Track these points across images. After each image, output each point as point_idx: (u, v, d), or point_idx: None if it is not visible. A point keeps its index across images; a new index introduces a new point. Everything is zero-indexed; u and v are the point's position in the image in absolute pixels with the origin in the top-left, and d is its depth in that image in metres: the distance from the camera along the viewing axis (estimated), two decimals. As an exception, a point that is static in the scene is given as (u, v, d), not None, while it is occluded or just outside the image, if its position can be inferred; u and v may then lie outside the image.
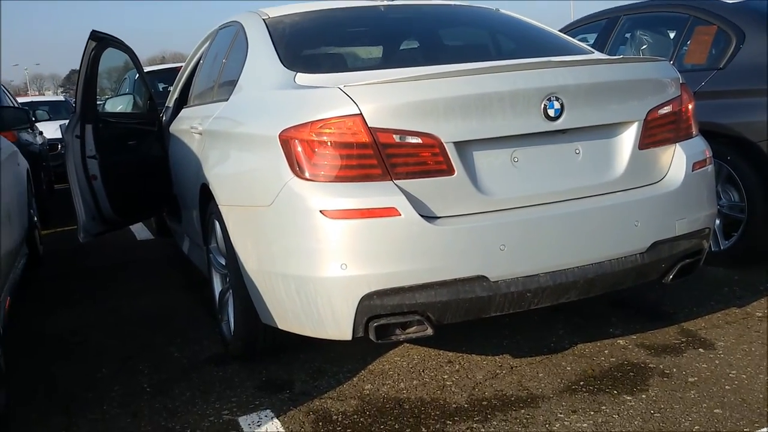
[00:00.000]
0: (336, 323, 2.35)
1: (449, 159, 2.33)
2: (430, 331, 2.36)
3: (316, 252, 2.29)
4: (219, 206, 2.86)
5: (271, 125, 2.47)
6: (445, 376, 2.73)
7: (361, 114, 2.26)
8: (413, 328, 2.38)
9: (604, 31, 4.67)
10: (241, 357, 2.97)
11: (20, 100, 12.12)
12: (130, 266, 4.93)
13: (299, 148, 2.33)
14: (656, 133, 2.65)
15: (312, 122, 2.31)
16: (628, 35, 4.56)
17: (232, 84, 3.11)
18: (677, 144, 2.71)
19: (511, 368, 2.77)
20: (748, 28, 3.72)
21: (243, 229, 2.67)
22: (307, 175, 2.31)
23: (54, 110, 12.76)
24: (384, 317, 2.31)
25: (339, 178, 2.28)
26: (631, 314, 3.21)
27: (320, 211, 2.26)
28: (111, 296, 4.20)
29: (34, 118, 8.42)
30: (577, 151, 2.54)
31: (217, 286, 3.22)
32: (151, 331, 3.50)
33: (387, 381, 2.73)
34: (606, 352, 2.86)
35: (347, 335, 2.36)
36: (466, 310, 2.36)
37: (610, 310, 3.24)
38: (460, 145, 2.35)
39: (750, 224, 3.60)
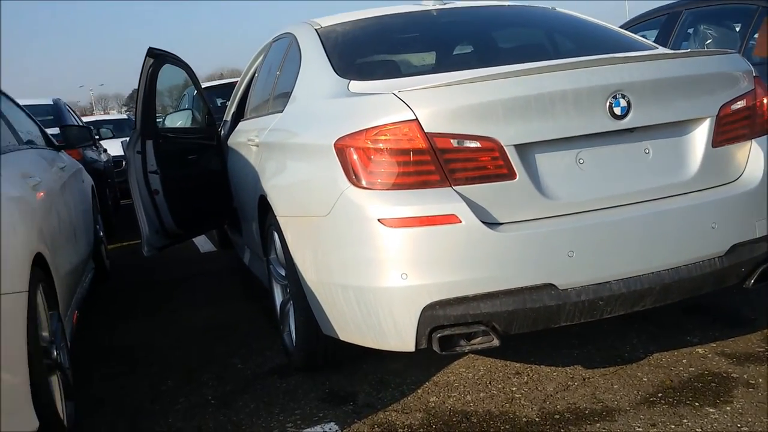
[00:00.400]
0: (398, 334, 2.27)
1: (510, 163, 2.22)
2: (496, 342, 2.26)
3: (375, 262, 2.23)
4: (277, 217, 2.82)
5: (326, 134, 2.41)
6: (514, 389, 2.62)
7: (416, 119, 2.19)
8: (478, 339, 2.28)
9: (664, 27, 4.47)
10: (303, 368, 2.92)
11: (85, 119, 12.53)
12: (193, 279, 4.98)
13: (355, 156, 2.27)
14: (730, 129, 2.48)
15: (367, 129, 2.24)
16: (690, 30, 4.35)
17: (286, 95, 3.08)
18: (753, 140, 2.53)
19: (584, 380, 2.63)
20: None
21: (301, 240, 2.62)
22: (363, 183, 2.25)
23: (117, 128, 13.17)
24: (448, 328, 2.22)
25: (396, 186, 2.20)
26: (709, 321, 3.02)
27: (378, 220, 2.19)
28: (175, 308, 4.24)
29: (98, 136, 8.67)
30: (647, 151, 2.40)
31: (278, 297, 3.19)
32: (215, 342, 3.50)
33: (453, 393, 2.63)
34: (684, 361, 2.69)
35: (410, 346, 2.27)
36: (534, 320, 2.24)
37: (686, 318, 3.06)
38: (521, 148, 2.24)
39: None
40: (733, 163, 2.50)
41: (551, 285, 2.21)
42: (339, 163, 2.32)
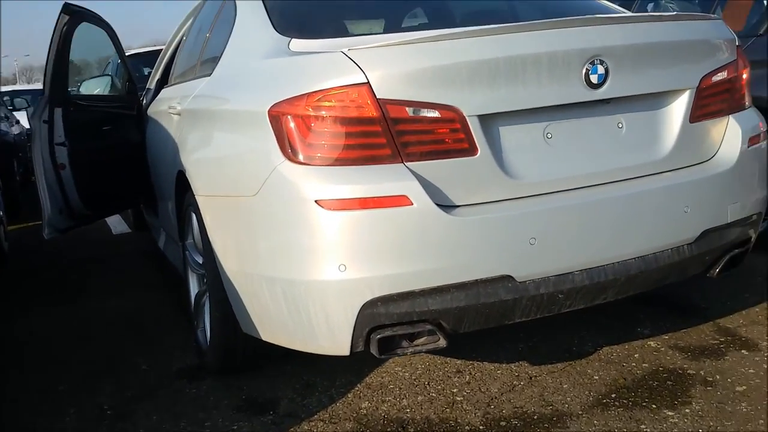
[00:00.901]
0: (331, 336, 1.91)
1: (472, 136, 1.89)
2: (443, 343, 1.93)
3: (309, 250, 1.85)
4: (196, 196, 2.39)
5: (260, 100, 2.01)
6: (455, 390, 2.31)
7: (368, 83, 1.82)
8: (423, 340, 1.95)
9: (625, 3, 4.22)
10: (218, 371, 2.52)
11: (3, 89, 11.75)
12: (103, 264, 4.44)
13: (292, 126, 1.87)
14: (709, 103, 2.23)
15: (308, 94, 1.86)
16: (650, 5, 4.12)
17: (216, 57, 2.63)
18: (730, 116, 2.29)
19: (531, 378, 2.35)
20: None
21: (222, 223, 2.21)
22: (300, 157, 1.86)
23: (36, 99, 12.22)
24: (389, 328, 1.88)
25: (339, 161, 1.83)
26: (660, 311, 2.81)
27: (315, 201, 1.82)
28: (79, 297, 3.72)
29: (11, 107, 7.85)
30: (620, 125, 2.11)
31: (194, 287, 2.77)
32: (121, 338, 3.04)
33: (387, 397, 2.30)
34: (636, 356, 2.45)
35: (345, 350, 1.92)
36: (487, 317, 1.93)
37: (636, 307, 2.83)
38: (484, 120, 1.91)
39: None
40: (708, 141, 2.25)
41: (508, 277, 1.90)
42: (273, 133, 1.92)
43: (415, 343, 1.94)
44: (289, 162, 1.87)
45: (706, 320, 2.69)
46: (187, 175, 2.50)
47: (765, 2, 3.45)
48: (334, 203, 1.80)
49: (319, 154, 1.85)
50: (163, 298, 3.52)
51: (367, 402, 2.28)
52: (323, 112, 1.84)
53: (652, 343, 2.54)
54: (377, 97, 1.81)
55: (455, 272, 1.85)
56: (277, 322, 2.03)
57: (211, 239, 2.27)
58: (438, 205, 1.83)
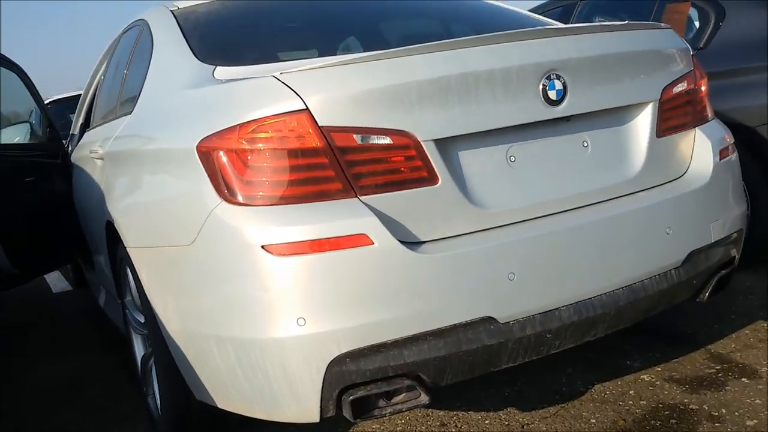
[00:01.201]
0: (296, 401, 1.65)
1: (430, 163, 1.69)
2: (424, 399, 1.69)
3: (261, 304, 1.60)
4: (127, 249, 2.12)
5: (186, 135, 1.77)
6: (440, 446, 2.06)
7: (307, 109, 1.60)
8: (402, 397, 1.71)
9: (560, 19, 4.14)
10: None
11: None
12: (41, 324, 4.07)
13: (226, 162, 1.64)
14: (673, 116, 2.08)
15: (240, 125, 1.63)
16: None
17: (136, 93, 2.39)
18: (697, 129, 2.15)
19: (523, 427, 2.12)
20: (728, 1, 3.25)
21: (159, 278, 1.95)
22: (239, 198, 1.62)
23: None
24: (362, 387, 1.64)
25: (285, 199, 1.60)
26: (645, 339, 2.61)
27: (262, 247, 1.57)
28: (15, 363, 3.36)
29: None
30: (585, 144, 1.94)
31: (139, 350, 2.47)
32: (60, 407, 2.71)
33: (366, 460, 2.04)
34: (632, 392, 2.24)
35: (314, 416, 1.66)
36: (471, 365, 1.70)
37: (621, 337, 2.62)
38: (442, 144, 1.71)
39: (756, 219, 3.09)
40: (678, 156, 2.10)
41: (490, 319, 1.68)
42: (205, 172, 1.68)
43: (393, 401, 1.70)
44: (227, 204, 1.63)
45: (697, 347, 2.51)
46: (116, 226, 2.23)
47: (697, 18, 3.40)
48: (283, 248, 1.56)
49: (260, 193, 1.61)
50: (108, 362, 3.19)
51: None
52: (260, 145, 1.61)
53: (645, 376, 2.34)
54: (319, 124, 1.60)
55: (430, 318, 1.63)
56: (232, 389, 1.77)
57: (149, 296, 2.00)
58: (402, 242, 1.61)
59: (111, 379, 2.95)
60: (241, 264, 1.61)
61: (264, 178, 1.60)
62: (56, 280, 5.29)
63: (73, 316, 4.19)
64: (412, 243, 1.65)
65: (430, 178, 1.69)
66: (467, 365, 1.69)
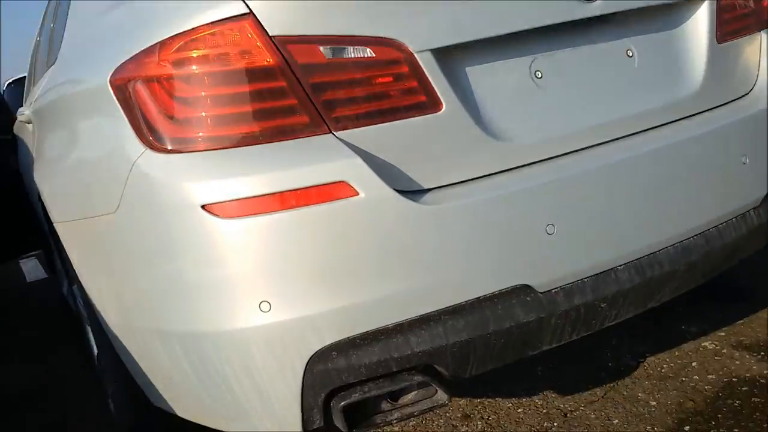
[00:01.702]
0: (270, 412, 1.22)
1: (428, 83, 1.22)
2: (442, 397, 1.25)
3: (207, 286, 1.16)
4: (54, 225, 1.68)
5: (98, 68, 1.31)
6: (465, 446, 1.63)
7: (251, 13, 1.14)
8: (412, 396, 1.27)
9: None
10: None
11: None
12: (12, 318, 3.65)
13: (146, 95, 1.18)
14: (735, 16, 1.60)
15: (162, 44, 1.16)
16: None
17: (59, 40, 1.92)
18: (762, 33, 1.67)
19: (566, 416, 1.68)
20: None
21: (89, 260, 1.50)
22: (167, 143, 1.17)
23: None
24: (357, 388, 1.19)
25: (229, 141, 1.14)
26: (697, 298, 2.14)
27: (203, 207, 1.12)
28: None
29: None
30: (630, 53, 1.47)
31: (94, 344, 2.04)
32: (21, 407, 2.29)
33: (373, 469, 1.61)
34: (695, 365, 1.80)
35: (295, 427, 1.22)
36: (502, 350, 1.26)
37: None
38: (443, 57, 1.24)
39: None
40: (743, 68, 1.62)
41: (525, 288, 1.23)
42: (123, 112, 1.22)
43: (401, 403, 1.26)
44: (152, 152, 1.17)
45: (764, 305, 2.06)
46: (42, 199, 1.79)
47: None
48: (232, 207, 1.10)
49: (195, 134, 1.14)
50: (79, 357, 2.77)
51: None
52: (189, 68, 1.14)
53: (707, 344, 1.90)
54: (270, 34, 1.13)
55: (445, 291, 1.18)
56: (188, 395, 1.33)
57: (83, 282, 1.55)
58: (397, 191, 1.15)
59: (80, 377, 2.53)
60: (176, 233, 1.16)
61: (198, 114, 1.14)
62: (32, 268, 4.86)
63: (47, 308, 3.76)
64: (411, 192, 1.19)
65: (431, 104, 1.22)
66: (497, 350, 1.24)
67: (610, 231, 1.30)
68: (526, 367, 1.91)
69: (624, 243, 1.31)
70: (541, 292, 1.23)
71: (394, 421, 1.25)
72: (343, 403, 1.18)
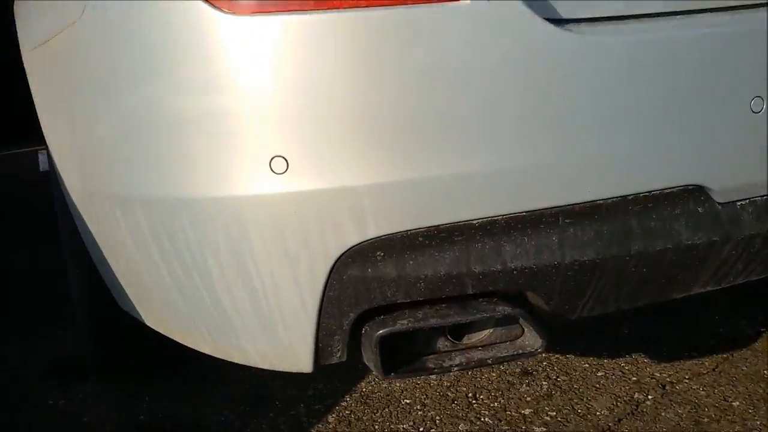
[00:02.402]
0: (269, 330, 0.77)
1: None
2: (533, 342, 0.80)
3: (196, 124, 0.70)
4: (22, 54, 1.22)
5: None
6: (526, 413, 1.19)
7: None
8: (484, 336, 0.81)
9: None
10: (102, 369, 1.39)
11: None
12: (17, 209, 3.27)
13: None
14: None
15: None
16: None
17: None
18: None
19: (664, 388, 1.23)
20: None
21: (49, 95, 1.04)
22: None
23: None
24: (407, 313, 0.74)
25: None
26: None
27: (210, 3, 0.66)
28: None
29: None
30: None
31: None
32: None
33: (400, 424, 1.18)
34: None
35: (302, 362, 0.79)
36: (640, 284, 0.79)
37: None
38: None
39: None
40: None
41: (699, 191, 0.75)
42: None
43: (467, 342, 0.81)
44: None
45: None
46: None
47: None
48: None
49: None
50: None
51: (359, 436, 1.16)
52: None
53: None
54: None
55: (575, 178, 0.71)
56: (157, 297, 0.90)
57: (43, 130, 1.09)
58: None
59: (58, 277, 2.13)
60: (154, 40, 0.70)
61: None
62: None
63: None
64: (554, 20, 0.71)
65: None
66: (632, 284, 0.78)
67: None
68: (609, 323, 1.45)
69: None
70: (720, 203, 0.76)
71: (454, 369, 0.80)
72: (382, 332, 0.73)
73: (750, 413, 1.14)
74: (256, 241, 0.71)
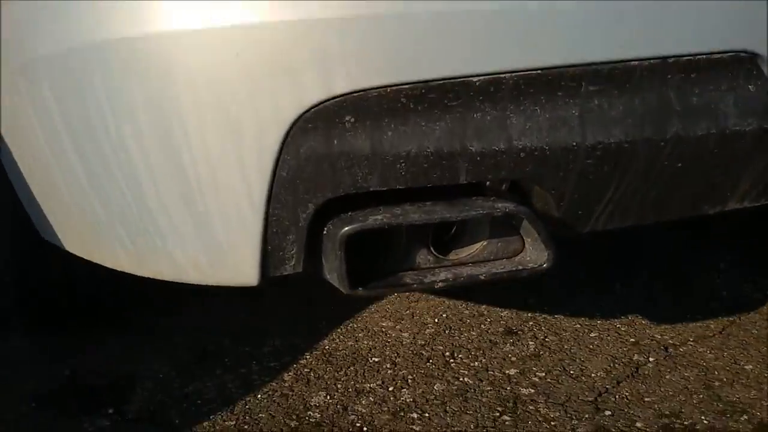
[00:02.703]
0: (202, 230, 0.59)
1: None
2: (536, 257, 0.63)
3: None
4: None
5: None
6: (511, 374, 1.03)
7: None
8: (476, 249, 0.64)
9: None
10: (28, 322, 1.19)
11: None
12: None
13: None
14: None
15: None
16: None
17: None
18: None
19: (667, 350, 1.08)
20: None
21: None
22: None
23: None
24: (381, 209, 0.57)
25: None
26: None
27: None
28: None
29: None
30: None
31: None
32: None
33: (368, 382, 1.01)
34: None
35: (246, 274, 0.61)
36: (672, 186, 0.63)
37: None
38: None
39: None
40: None
41: (751, 60, 0.59)
42: None
43: (454, 256, 0.64)
44: None
45: None
46: None
47: None
48: None
49: None
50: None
51: (323, 393, 0.98)
52: None
53: None
54: None
55: (601, 30, 0.55)
56: (72, 203, 0.71)
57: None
58: None
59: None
60: None
61: None
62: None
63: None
64: None
65: None
66: (663, 184, 0.62)
67: None
68: (597, 280, 1.30)
69: None
70: (776, 79, 0.61)
71: (438, 285, 0.62)
72: (348, 229, 0.56)
73: (766, 377, 1.00)
74: (185, 98, 0.53)
